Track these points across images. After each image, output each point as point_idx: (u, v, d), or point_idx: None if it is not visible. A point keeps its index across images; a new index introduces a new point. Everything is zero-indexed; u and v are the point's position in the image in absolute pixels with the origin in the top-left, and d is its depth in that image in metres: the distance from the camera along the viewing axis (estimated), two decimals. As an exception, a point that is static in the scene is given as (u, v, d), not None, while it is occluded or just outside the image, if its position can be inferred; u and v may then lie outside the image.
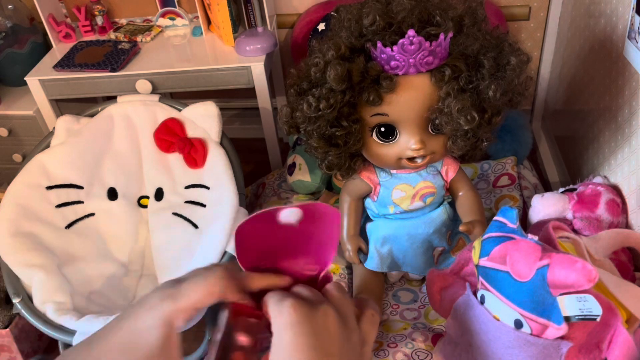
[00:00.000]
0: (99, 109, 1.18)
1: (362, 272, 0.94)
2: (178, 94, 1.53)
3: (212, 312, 0.50)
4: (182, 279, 0.46)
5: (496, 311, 0.65)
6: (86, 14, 1.38)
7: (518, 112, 1.22)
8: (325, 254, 0.52)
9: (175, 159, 1.15)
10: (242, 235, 0.49)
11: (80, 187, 1.11)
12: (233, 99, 1.66)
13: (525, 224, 0.96)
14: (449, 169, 0.91)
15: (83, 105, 1.29)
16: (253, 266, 0.50)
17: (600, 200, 0.89)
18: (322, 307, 0.44)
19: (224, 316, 0.46)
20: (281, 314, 0.43)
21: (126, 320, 0.43)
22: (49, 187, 1.09)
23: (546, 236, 0.70)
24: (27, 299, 0.95)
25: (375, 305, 0.51)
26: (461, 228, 0.87)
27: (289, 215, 0.49)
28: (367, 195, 0.94)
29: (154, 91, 1.25)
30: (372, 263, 0.92)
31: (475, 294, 0.69)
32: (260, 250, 0.50)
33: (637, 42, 0.86)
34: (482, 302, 0.67)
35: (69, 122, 1.13)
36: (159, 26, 1.41)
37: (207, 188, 1.10)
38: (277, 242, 0.50)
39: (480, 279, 0.67)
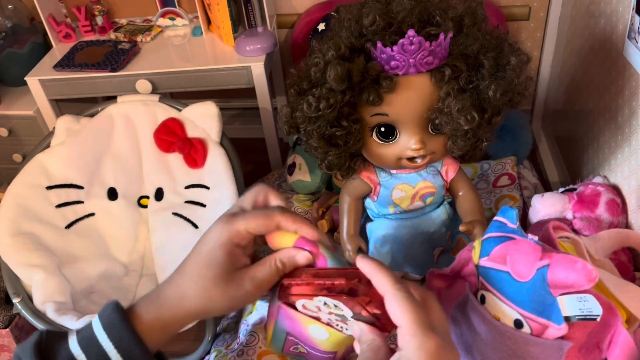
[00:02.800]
0: (99, 109, 1.18)
1: (362, 272, 0.94)
2: (178, 94, 1.53)
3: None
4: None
5: (496, 311, 0.65)
6: (86, 14, 1.38)
7: (518, 112, 1.22)
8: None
9: (175, 159, 1.15)
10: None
11: (80, 187, 1.11)
12: (233, 99, 1.66)
13: (525, 224, 0.96)
14: (449, 169, 0.91)
15: (83, 105, 1.29)
16: None
17: (600, 200, 0.89)
18: (455, 349, 0.43)
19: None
20: (425, 347, 0.41)
21: (201, 238, 0.51)
22: (49, 187, 1.09)
23: (546, 236, 0.70)
24: (27, 299, 0.95)
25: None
26: (461, 228, 0.87)
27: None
28: (367, 195, 0.94)
29: (154, 91, 1.25)
30: (372, 263, 0.92)
31: (475, 294, 0.69)
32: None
33: (637, 42, 0.86)
34: (482, 302, 0.67)
35: (69, 122, 1.14)
36: (159, 26, 1.41)
37: (207, 188, 1.10)
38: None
39: (480, 279, 0.67)
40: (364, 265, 0.46)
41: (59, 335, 0.47)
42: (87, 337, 0.46)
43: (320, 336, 0.52)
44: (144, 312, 0.48)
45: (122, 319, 0.46)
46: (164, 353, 0.52)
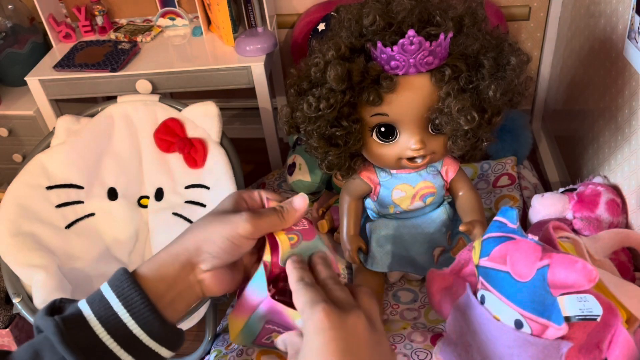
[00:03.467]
0: (99, 109, 1.18)
1: (362, 272, 0.94)
2: (178, 94, 1.53)
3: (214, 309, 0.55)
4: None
5: (496, 311, 0.65)
6: (86, 14, 1.38)
7: (518, 112, 1.22)
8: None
9: (175, 159, 1.15)
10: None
11: (81, 187, 1.11)
12: (233, 99, 1.66)
13: (525, 224, 0.96)
14: (449, 169, 0.91)
15: (83, 105, 1.29)
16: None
17: (600, 200, 0.89)
18: (354, 312, 0.46)
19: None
20: (312, 318, 0.45)
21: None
22: (49, 187, 1.09)
23: (546, 236, 0.70)
24: (27, 299, 0.95)
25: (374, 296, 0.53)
26: (461, 228, 0.87)
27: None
28: (367, 195, 0.94)
29: (154, 91, 1.25)
30: (372, 263, 0.92)
31: (475, 294, 0.69)
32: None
33: (637, 42, 0.86)
34: (482, 302, 0.67)
35: (69, 122, 1.13)
36: (159, 26, 1.41)
37: (207, 188, 1.10)
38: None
39: (480, 279, 0.68)
40: (287, 265, 0.52)
41: (72, 300, 0.49)
42: (93, 294, 0.49)
43: None
44: (144, 265, 0.50)
45: (124, 273, 0.49)
46: (181, 329, 0.52)
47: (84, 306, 0.47)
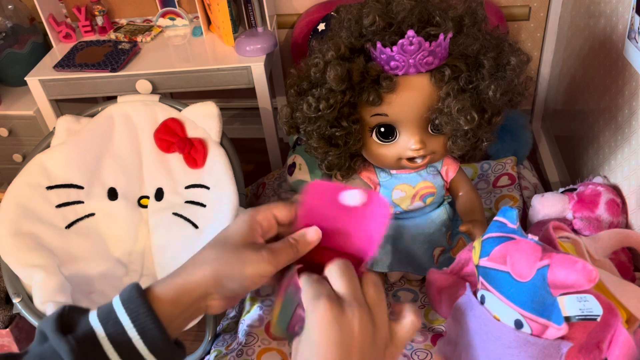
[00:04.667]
0: (99, 109, 1.18)
1: (362, 272, 0.94)
2: (178, 94, 1.53)
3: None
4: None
5: (496, 311, 0.65)
6: (86, 14, 1.38)
7: (518, 112, 1.22)
8: (368, 247, 0.54)
9: (176, 159, 1.15)
10: (310, 194, 0.55)
11: (81, 187, 1.11)
12: (233, 99, 1.66)
13: (525, 224, 0.96)
14: (449, 169, 0.91)
15: (83, 105, 1.29)
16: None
17: (600, 200, 0.89)
18: (354, 309, 0.47)
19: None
20: (315, 311, 0.46)
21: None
22: (49, 187, 1.09)
23: (546, 236, 0.70)
24: (27, 299, 0.95)
25: (415, 310, 0.53)
26: (461, 228, 0.87)
27: (351, 196, 0.53)
28: (367, 195, 0.94)
29: (154, 91, 1.25)
30: (372, 263, 0.92)
31: (475, 294, 0.69)
32: (316, 221, 0.54)
33: (637, 42, 0.86)
34: (482, 302, 0.67)
35: (69, 122, 1.13)
36: (159, 26, 1.41)
37: (207, 188, 1.10)
38: (329, 220, 0.54)
39: (481, 279, 0.67)
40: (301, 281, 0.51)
41: (80, 309, 0.49)
42: (106, 311, 0.48)
43: None
44: (160, 287, 0.50)
45: (139, 294, 0.48)
46: (182, 343, 0.52)
47: (96, 324, 0.47)
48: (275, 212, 0.54)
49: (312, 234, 0.54)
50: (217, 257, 0.51)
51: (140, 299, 0.48)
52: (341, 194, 0.54)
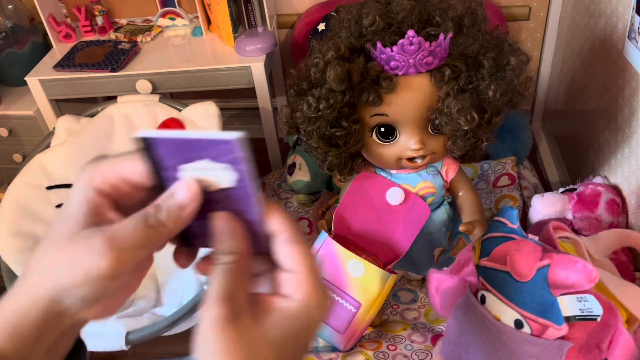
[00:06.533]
0: (99, 109, 1.18)
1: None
2: (178, 94, 1.53)
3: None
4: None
5: (496, 311, 0.65)
6: (86, 14, 1.38)
7: (518, 112, 1.22)
8: (403, 245, 0.53)
9: (175, 159, 1.15)
10: (354, 186, 0.48)
11: (80, 187, 1.12)
12: (233, 99, 1.66)
13: (525, 224, 0.96)
14: (449, 169, 0.91)
15: (83, 105, 1.29)
16: (343, 220, 0.49)
17: (600, 200, 0.89)
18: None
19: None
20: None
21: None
22: (49, 187, 1.09)
23: (546, 236, 0.70)
24: (27, 299, 0.95)
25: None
26: (461, 228, 0.87)
27: (394, 194, 0.51)
28: (367, 195, 0.94)
29: (154, 91, 1.25)
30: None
31: (475, 294, 0.69)
32: (354, 214, 0.49)
33: (637, 42, 0.86)
34: (482, 302, 0.67)
35: (69, 122, 1.13)
36: (159, 26, 1.41)
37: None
38: (368, 215, 0.51)
39: (481, 279, 0.67)
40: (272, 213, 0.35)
41: None
42: None
43: (356, 273, 0.50)
44: None
45: None
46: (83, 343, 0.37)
47: None
48: (121, 170, 0.34)
49: (182, 194, 0.33)
50: (45, 260, 0.33)
51: None
52: (387, 191, 0.51)
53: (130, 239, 0.32)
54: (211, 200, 0.33)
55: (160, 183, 0.34)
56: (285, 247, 0.34)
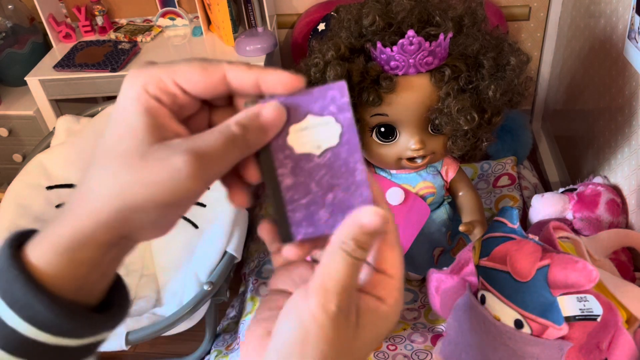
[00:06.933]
0: (99, 109, 1.18)
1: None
2: (178, 94, 1.52)
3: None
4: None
5: (496, 311, 0.65)
6: (86, 14, 1.38)
7: (518, 112, 1.22)
8: (402, 245, 0.52)
9: (175, 159, 1.15)
10: None
11: (80, 187, 1.12)
12: (233, 99, 1.66)
13: (525, 224, 0.96)
14: (449, 169, 0.91)
15: (83, 105, 1.28)
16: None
17: (600, 200, 0.89)
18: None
19: None
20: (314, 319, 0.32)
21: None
22: (49, 187, 1.09)
23: (546, 236, 0.70)
24: (27, 299, 0.95)
25: None
26: (461, 228, 0.87)
27: (394, 194, 0.50)
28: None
29: (154, 91, 1.25)
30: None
31: (475, 294, 0.69)
32: None
33: (637, 42, 0.86)
34: (482, 302, 0.67)
35: (69, 122, 1.13)
36: (159, 26, 1.41)
37: (208, 188, 1.10)
38: None
39: (481, 279, 0.68)
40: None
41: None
42: None
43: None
44: (38, 250, 0.31)
45: (15, 273, 0.30)
46: (123, 295, 0.35)
47: None
48: (178, 77, 0.31)
49: (269, 112, 0.31)
50: (112, 179, 0.30)
51: (18, 283, 0.30)
52: (386, 191, 0.50)
53: (216, 156, 0.30)
54: (318, 164, 0.32)
55: (266, 161, 0.33)
56: (389, 250, 0.33)
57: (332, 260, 0.31)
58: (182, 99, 0.31)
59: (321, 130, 0.32)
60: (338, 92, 0.31)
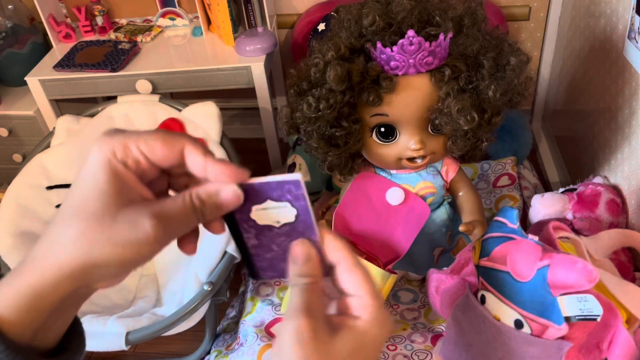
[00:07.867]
0: (99, 109, 1.18)
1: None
2: (178, 94, 1.53)
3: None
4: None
5: (496, 311, 0.65)
6: (86, 14, 1.38)
7: (518, 112, 1.22)
8: (402, 245, 0.53)
9: (175, 159, 1.15)
10: (354, 185, 0.48)
11: (81, 187, 1.12)
12: (233, 99, 1.66)
13: (525, 224, 0.96)
14: (449, 169, 0.91)
15: (83, 105, 1.29)
16: (343, 220, 0.49)
17: (600, 200, 0.89)
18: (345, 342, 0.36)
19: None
20: (386, 316, 0.37)
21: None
22: (49, 187, 1.09)
23: (546, 236, 0.70)
24: (27, 299, 0.95)
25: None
26: (461, 228, 0.87)
27: (394, 194, 0.51)
28: (367, 195, 0.94)
29: (154, 91, 1.25)
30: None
31: (475, 294, 0.69)
32: (354, 213, 0.50)
33: (637, 42, 0.86)
34: (482, 302, 0.67)
35: (69, 122, 1.13)
36: (159, 26, 1.41)
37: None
38: (368, 214, 0.51)
39: (481, 279, 0.68)
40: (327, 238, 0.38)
41: None
42: None
43: None
44: (2, 297, 0.33)
45: None
46: (78, 338, 0.38)
47: None
48: (143, 146, 0.34)
49: (227, 194, 0.35)
50: (79, 236, 0.32)
51: None
52: (387, 191, 0.52)
53: (177, 221, 0.34)
54: (278, 233, 0.38)
55: (233, 225, 0.38)
56: (348, 275, 0.37)
57: (291, 293, 0.36)
58: (145, 165, 0.35)
59: (280, 211, 0.37)
60: (293, 186, 0.35)
